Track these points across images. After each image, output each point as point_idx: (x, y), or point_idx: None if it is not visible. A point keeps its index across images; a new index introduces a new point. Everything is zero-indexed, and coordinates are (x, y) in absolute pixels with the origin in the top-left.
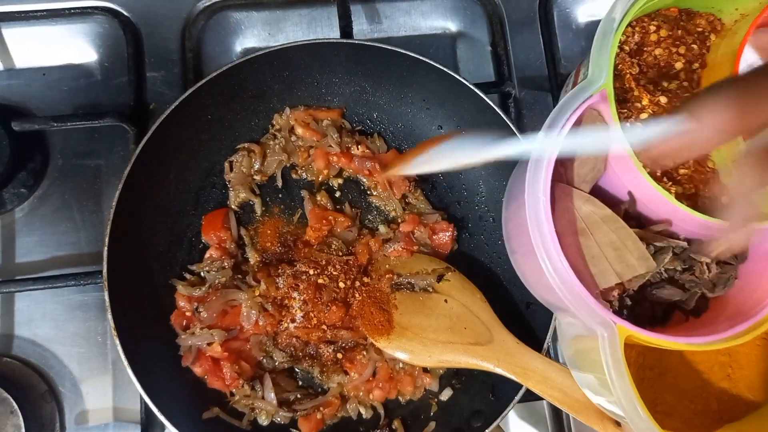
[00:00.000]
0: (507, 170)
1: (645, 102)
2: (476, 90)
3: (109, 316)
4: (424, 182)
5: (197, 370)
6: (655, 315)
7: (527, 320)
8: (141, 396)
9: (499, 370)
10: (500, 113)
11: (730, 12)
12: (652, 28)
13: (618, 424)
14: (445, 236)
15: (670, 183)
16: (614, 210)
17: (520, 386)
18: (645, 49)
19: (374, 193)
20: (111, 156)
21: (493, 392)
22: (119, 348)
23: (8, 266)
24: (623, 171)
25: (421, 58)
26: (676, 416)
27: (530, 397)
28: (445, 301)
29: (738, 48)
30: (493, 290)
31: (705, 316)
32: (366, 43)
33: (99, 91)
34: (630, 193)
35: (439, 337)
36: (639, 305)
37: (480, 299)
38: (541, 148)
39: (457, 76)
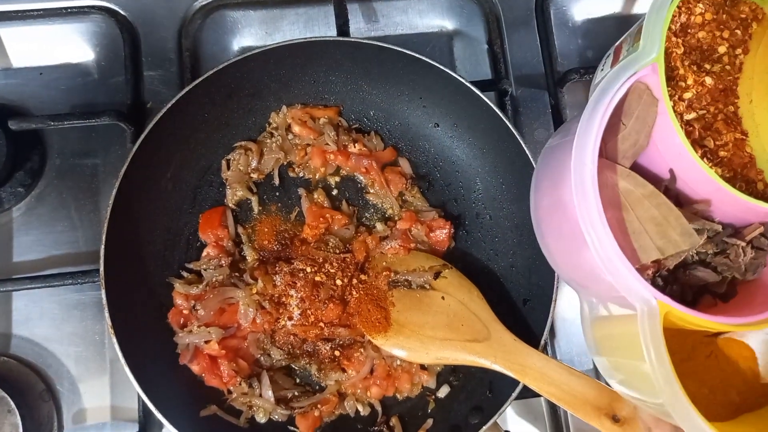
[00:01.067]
0: (504, 168)
1: (690, 81)
2: (473, 88)
3: (107, 314)
4: (421, 180)
5: (195, 368)
6: (684, 298)
7: (524, 317)
8: (139, 395)
9: (496, 367)
10: (497, 111)
11: None
12: (698, 10)
13: (615, 420)
14: (442, 233)
15: (711, 164)
16: (655, 185)
17: (517, 383)
18: (689, 30)
19: (371, 191)
20: (108, 155)
21: (491, 389)
22: (116, 347)
23: (5, 265)
24: (667, 147)
25: (418, 56)
26: (696, 405)
27: (528, 393)
28: (443, 298)
29: None
30: (491, 287)
31: (733, 302)
32: (363, 41)
33: (96, 90)
34: (671, 171)
35: (436, 334)
36: (670, 287)
37: (477, 296)
38: (592, 112)
39: (454, 74)
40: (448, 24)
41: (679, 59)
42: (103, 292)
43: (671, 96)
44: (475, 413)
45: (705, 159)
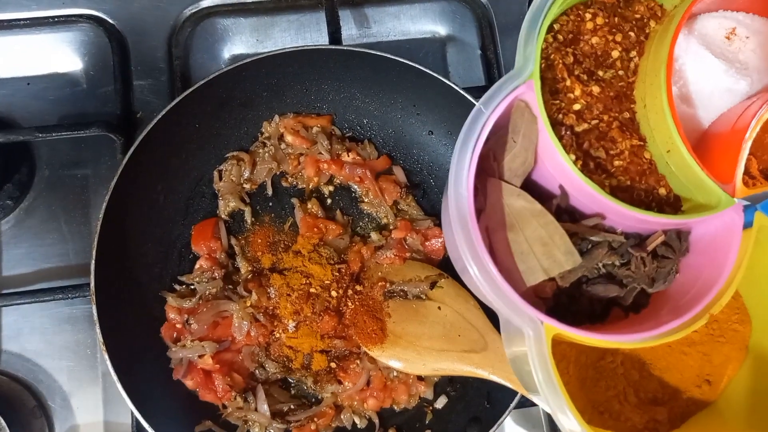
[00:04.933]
0: None
1: (577, 93)
2: (466, 95)
3: (98, 330)
4: (416, 188)
5: (189, 383)
6: (594, 312)
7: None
8: (132, 411)
9: (494, 378)
10: None
11: None
12: (588, 15)
13: None
14: (437, 242)
15: (604, 175)
16: (547, 204)
17: (515, 393)
18: (581, 37)
19: (366, 200)
20: (98, 166)
21: (489, 399)
22: (108, 362)
23: None
24: (552, 165)
25: (410, 63)
26: (623, 419)
27: (526, 402)
28: (439, 308)
29: (673, 34)
30: None
31: (645, 312)
32: (355, 49)
33: (85, 100)
34: (561, 187)
35: (433, 345)
36: (577, 302)
37: (474, 306)
38: (464, 141)
39: (447, 81)
40: (441, 30)
41: (565, 70)
42: (94, 307)
43: (560, 109)
44: (474, 424)
45: (599, 170)
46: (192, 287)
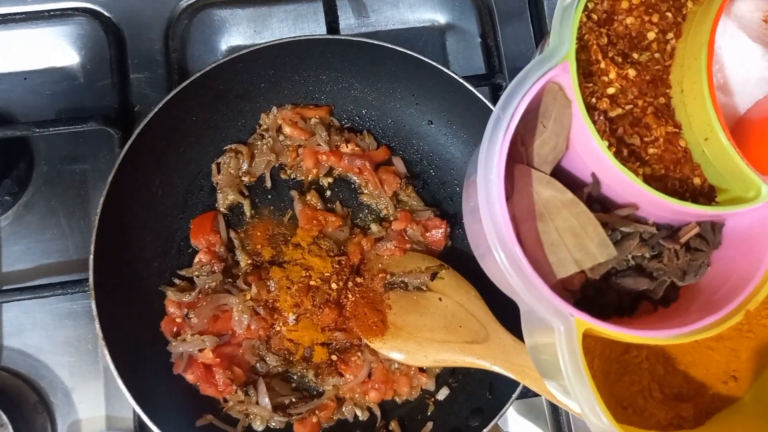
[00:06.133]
0: None
1: (612, 76)
2: (466, 84)
3: (97, 325)
4: (416, 178)
5: (189, 377)
6: (621, 305)
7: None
8: (133, 406)
9: (496, 369)
10: (491, 106)
11: None
12: None
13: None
14: (438, 233)
15: (638, 163)
16: (577, 193)
17: (517, 384)
18: (615, 17)
19: (365, 192)
20: (97, 160)
21: (491, 390)
22: (108, 358)
23: None
24: (585, 151)
25: (409, 52)
26: (647, 415)
27: (528, 393)
28: (440, 299)
29: (715, 15)
30: (489, 287)
31: (675, 306)
32: (353, 38)
33: (82, 94)
34: (593, 175)
35: (434, 336)
36: (605, 295)
37: (475, 296)
38: (495, 124)
39: (447, 70)
40: (440, 18)
41: (600, 52)
42: (93, 303)
43: (593, 93)
44: (476, 415)
45: (632, 158)
46: (191, 281)
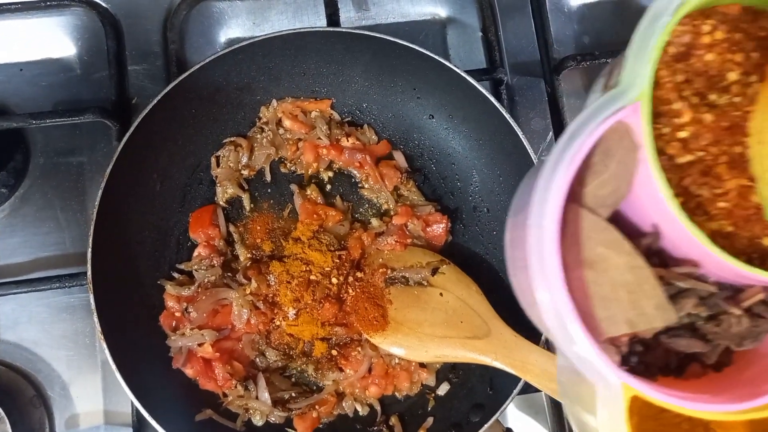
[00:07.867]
0: (501, 159)
1: (686, 119)
2: (467, 77)
3: (95, 319)
4: (417, 173)
5: (189, 371)
6: (668, 364)
7: (525, 312)
8: (131, 400)
9: (497, 364)
10: (492, 100)
11: None
12: (707, 27)
13: None
14: (438, 228)
15: (705, 217)
16: (634, 242)
17: (518, 379)
18: (694, 52)
19: (366, 186)
20: (94, 153)
21: (492, 386)
22: (107, 352)
23: None
24: (650, 199)
25: (410, 45)
26: None
27: (529, 388)
28: (441, 294)
29: None
30: (490, 282)
31: (727, 372)
32: (354, 31)
33: (79, 86)
34: (655, 226)
35: (435, 331)
36: (651, 351)
37: (476, 292)
38: (555, 165)
39: (448, 64)
40: (441, 11)
41: (674, 90)
42: (91, 296)
43: (662, 135)
44: (476, 411)
45: (699, 211)
46: (191, 275)
